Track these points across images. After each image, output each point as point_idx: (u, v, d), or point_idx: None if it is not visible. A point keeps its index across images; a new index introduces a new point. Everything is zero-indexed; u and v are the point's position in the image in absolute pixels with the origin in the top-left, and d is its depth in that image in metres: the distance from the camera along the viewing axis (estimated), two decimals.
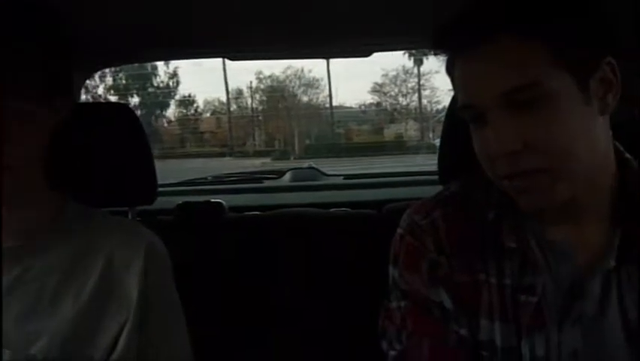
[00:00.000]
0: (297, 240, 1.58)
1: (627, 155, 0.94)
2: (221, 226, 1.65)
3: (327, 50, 2.02)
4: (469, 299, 0.94)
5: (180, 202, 1.71)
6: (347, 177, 2.72)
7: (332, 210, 1.75)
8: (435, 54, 0.95)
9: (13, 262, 0.93)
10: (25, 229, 0.95)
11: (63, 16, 0.95)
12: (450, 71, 0.93)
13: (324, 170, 2.71)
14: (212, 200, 1.73)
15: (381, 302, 1.04)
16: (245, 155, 21.82)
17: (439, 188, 1.14)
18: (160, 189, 1.40)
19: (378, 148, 20.21)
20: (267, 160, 18.69)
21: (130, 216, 1.41)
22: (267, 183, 2.60)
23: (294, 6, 1.46)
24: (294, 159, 19.41)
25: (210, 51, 2.06)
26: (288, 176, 2.62)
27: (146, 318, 0.93)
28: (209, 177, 2.79)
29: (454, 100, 1.22)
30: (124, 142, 1.31)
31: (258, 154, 21.28)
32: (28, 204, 0.95)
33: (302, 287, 1.54)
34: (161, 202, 1.41)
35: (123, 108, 1.37)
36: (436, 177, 1.45)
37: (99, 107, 1.62)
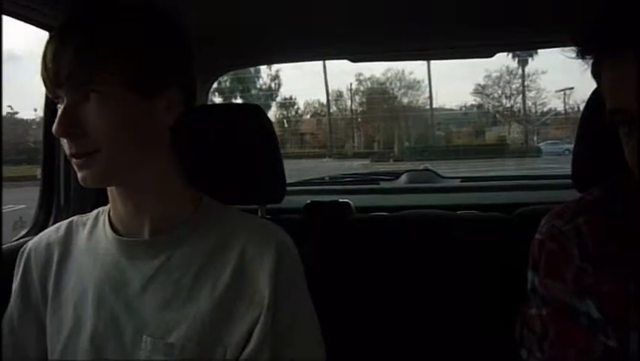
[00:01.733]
0: (428, 241, 1.57)
1: None
2: (350, 226, 1.65)
3: (451, 51, 2.00)
4: (618, 310, 0.91)
5: (309, 201, 1.74)
6: (464, 179, 2.67)
7: (460, 212, 1.72)
8: (581, 57, 0.93)
9: (155, 253, 0.98)
10: (166, 223, 1.00)
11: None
12: (596, 73, 0.90)
13: (439, 172, 2.69)
14: (340, 200, 1.74)
15: (515, 308, 1.02)
16: (344, 156, 21.90)
17: (571, 192, 1.11)
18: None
19: (479, 151, 19.77)
20: (367, 162, 18.68)
21: (260, 213, 1.44)
22: (383, 185, 2.60)
23: (416, 6, 1.46)
24: (394, 161, 19.30)
25: (332, 52, 2.09)
26: (404, 178, 2.61)
27: (278, 316, 0.94)
28: (327, 178, 2.82)
29: (590, 103, 1.18)
30: (255, 142, 1.35)
31: (357, 156, 21.29)
32: (166, 200, 1.01)
33: (430, 289, 1.52)
34: (286, 201, 1.44)
35: (255, 109, 1.40)
36: (562, 181, 1.41)
37: (232, 107, 1.68)
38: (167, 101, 0.96)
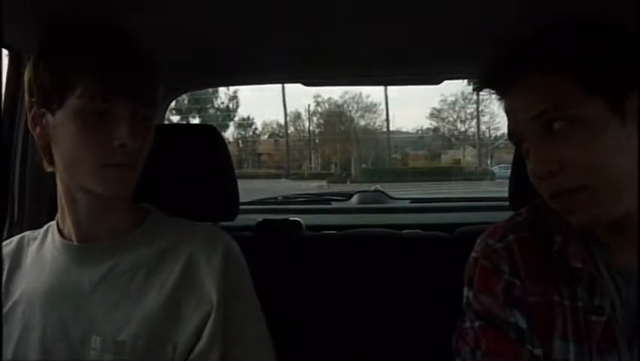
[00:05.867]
0: (373, 259, 1.62)
1: None
2: (300, 243, 1.71)
3: (399, 77, 2.08)
4: (543, 320, 0.98)
5: (260, 220, 1.78)
6: (413, 200, 2.75)
7: (405, 231, 1.79)
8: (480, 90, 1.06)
9: (105, 258, 1.05)
10: (119, 230, 1.08)
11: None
12: (500, 99, 1.03)
13: (390, 193, 2.75)
14: (291, 218, 1.79)
15: (454, 323, 1.08)
16: (300, 177, 21.80)
17: (507, 213, 1.19)
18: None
19: (434, 173, 19.94)
20: (323, 183, 18.61)
21: None
22: (335, 205, 2.65)
23: (368, 35, 1.52)
24: (350, 182, 19.31)
25: (286, 77, 2.15)
26: (355, 198, 2.67)
27: (228, 316, 1.01)
28: (280, 197, 2.86)
29: None
30: (210, 161, 1.39)
31: (314, 177, 21.21)
32: (123, 209, 1.07)
33: (376, 304, 1.58)
34: (239, 220, 1.48)
35: (210, 130, 1.46)
36: (503, 203, 1.49)
37: (188, 128, 1.72)
38: None
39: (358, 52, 1.71)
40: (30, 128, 1.06)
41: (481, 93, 1.04)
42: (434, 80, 2.07)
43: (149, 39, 1.08)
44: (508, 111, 1.00)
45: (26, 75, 1.05)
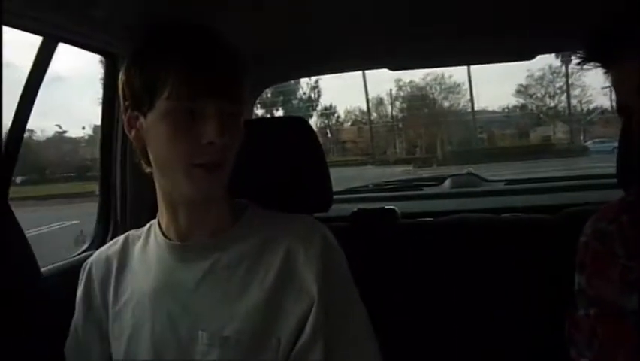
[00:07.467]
0: (474, 244, 1.58)
1: None
2: (396, 232, 1.68)
3: (490, 55, 2.03)
4: None
5: (355, 209, 1.77)
6: (508, 182, 2.68)
7: (504, 215, 1.74)
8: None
9: (206, 255, 1.07)
10: (218, 228, 1.08)
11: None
12: (606, 72, 0.97)
13: (483, 176, 2.69)
14: (386, 207, 1.77)
15: (561, 309, 1.04)
16: (386, 163, 21.78)
17: (613, 191, 1.12)
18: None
19: (523, 152, 19.44)
20: (409, 168, 18.54)
21: None
22: (427, 190, 2.62)
23: (458, 12, 1.49)
24: (437, 165, 19.11)
25: (372, 63, 2.13)
26: (448, 183, 2.63)
27: (330, 306, 1.00)
28: (371, 185, 2.86)
29: None
30: (302, 153, 1.39)
31: (400, 162, 21.15)
32: (220, 207, 1.08)
33: (479, 291, 1.54)
34: (333, 210, 1.48)
35: (300, 121, 1.45)
36: (608, 181, 1.41)
37: (278, 121, 1.73)
38: None
39: (443, 32, 1.67)
40: (126, 131, 1.09)
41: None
42: (525, 55, 2.00)
43: (236, 35, 1.08)
44: (615, 84, 0.95)
45: (120, 79, 1.08)
